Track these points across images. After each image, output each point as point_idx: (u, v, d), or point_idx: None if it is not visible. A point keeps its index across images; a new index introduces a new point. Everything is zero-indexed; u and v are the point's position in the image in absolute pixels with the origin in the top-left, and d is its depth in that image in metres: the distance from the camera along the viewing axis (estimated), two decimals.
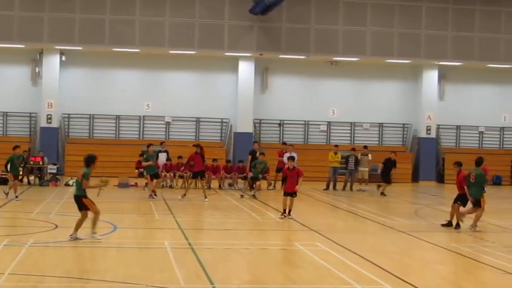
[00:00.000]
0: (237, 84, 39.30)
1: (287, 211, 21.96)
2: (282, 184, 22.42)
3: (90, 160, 17.20)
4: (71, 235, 16.88)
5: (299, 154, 32.24)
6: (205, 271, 13.76)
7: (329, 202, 28.58)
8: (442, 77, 41.40)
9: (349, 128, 41.42)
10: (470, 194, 20.85)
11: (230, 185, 33.48)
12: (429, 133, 40.76)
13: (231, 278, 13.48)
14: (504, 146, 42.75)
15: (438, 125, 41.42)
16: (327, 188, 33.69)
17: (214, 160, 33.58)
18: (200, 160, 27.83)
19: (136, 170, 32.76)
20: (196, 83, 40.16)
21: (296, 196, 22.05)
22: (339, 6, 38.33)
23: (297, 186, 21.80)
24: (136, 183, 32.35)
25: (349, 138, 41.21)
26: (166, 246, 16.36)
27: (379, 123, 41.64)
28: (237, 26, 37.48)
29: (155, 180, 28.07)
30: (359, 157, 34.19)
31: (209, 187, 32.47)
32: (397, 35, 38.73)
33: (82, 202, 17.08)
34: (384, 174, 32.47)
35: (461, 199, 21.27)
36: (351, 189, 33.93)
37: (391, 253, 16.99)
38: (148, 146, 28.91)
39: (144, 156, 28.60)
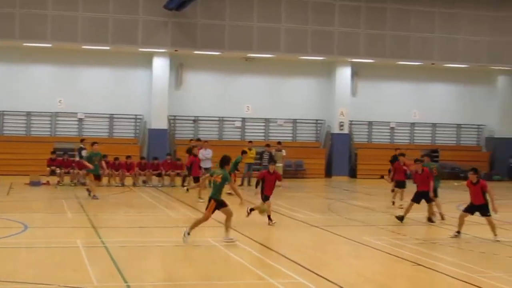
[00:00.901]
0: (151, 80, 38.99)
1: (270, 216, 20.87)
2: (256, 187, 21.24)
3: (225, 161, 17.34)
4: (225, 238, 16.95)
5: (214, 150, 32.23)
6: (118, 269, 13.62)
7: (244, 198, 28.59)
8: (355, 74, 41.98)
9: (263, 124, 41.62)
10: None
11: (144, 182, 33.23)
12: (342, 129, 41.28)
13: (145, 276, 13.39)
14: (415, 141, 43.63)
15: (351, 121, 42.00)
16: (242, 184, 33.78)
17: (128, 157, 33.25)
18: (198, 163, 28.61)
19: (48, 168, 32.21)
20: (110, 79, 39.66)
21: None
22: (254, 2, 38.45)
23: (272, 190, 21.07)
24: (48, 181, 31.78)
25: (263, 134, 41.42)
26: (79, 245, 16.14)
27: (293, 119, 41.97)
28: (152, 22, 37.19)
29: (96, 181, 27.11)
30: (273, 153, 34.39)
31: (123, 185, 32.17)
32: (311, 32, 39.10)
33: (210, 202, 17.00)
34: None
35: (424, 196, 21.65)
36: None
37: (306, 247, 17.15)
38: (92, 144, 27.70)
39: (88, 154, 27.38)
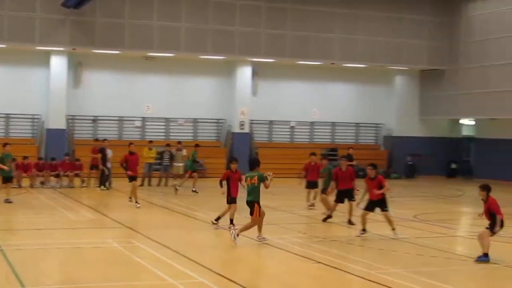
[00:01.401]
0: (49, 79, 38.16)
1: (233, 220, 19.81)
2: (221, 186, 19.79)
3: (256, 163, 18.14)
4: (258, 237, 17.22)
5: (114, 150, 31.92)
6: (15, 273, 13.25)
7: (144, 199, 28.30)
8: (255, 74, 42.11)
9: (164, 123, 41.33)
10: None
11: (42, 183, 32.50)
12: (243, 128, 41.36)
13: (43, 279, 13.06)
14: (314, 140, 44.11)
15: (252, 120, 42.13)
16: (142, 184, 33.44)
17: (25, 157, 32.43)
18: (135, 162, 25.65)
19: None
20: (6, 78, 38.52)
21: None
22: (154, 1, 38.12)
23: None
24: None
25: (164, 134, 41.12)
26: None
27: (194, 119, 41.82)
28: (49, 20, 36.34)
29: (7, 184, 25.68)
30: (173, 153, 34.17)
31: (20, 186, 31.35)
32: (211, 31, 39.00)
33: (254, 207, 17.35)
34: None
35: (349, 196, 21.49)
36: (166, 184, 33.90)
37: (207, 247, 17.09)
38: (4, 145, 26.41)
39: (0, 156, 26.11)
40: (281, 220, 22.08)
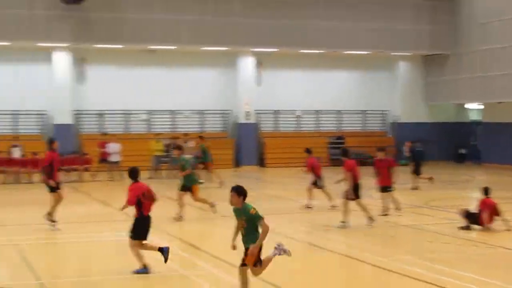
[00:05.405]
0: (53, 75, 38.19)
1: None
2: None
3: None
4: None
5: (121, 143, 32.03)
6: (30, 267, 13.33)
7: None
8: (258, 64, 41.97)
9: (170, 116, 41.34)
10: None
11: None
12: (249, 119, 41.31)
13: (57, 272, 13.15)
14: (320, 128, 43.99)
15: (257, 110, 41.87)
16: (151, 177, 33.48)
17: (34, 153, 32.35)
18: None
19: None
20: (10, 76, 38.61)
21: None
22: None
23: None
24: None
25: (170, 126, 41.11)
26: None
27: (200, 110, 41.79)
28: (50, 16, 36.26)
29: None
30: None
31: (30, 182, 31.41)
32: (212, 22, 38.83)
33: None
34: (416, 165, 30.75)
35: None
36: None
37: (222, 238, 17.09)
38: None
39: None
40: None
